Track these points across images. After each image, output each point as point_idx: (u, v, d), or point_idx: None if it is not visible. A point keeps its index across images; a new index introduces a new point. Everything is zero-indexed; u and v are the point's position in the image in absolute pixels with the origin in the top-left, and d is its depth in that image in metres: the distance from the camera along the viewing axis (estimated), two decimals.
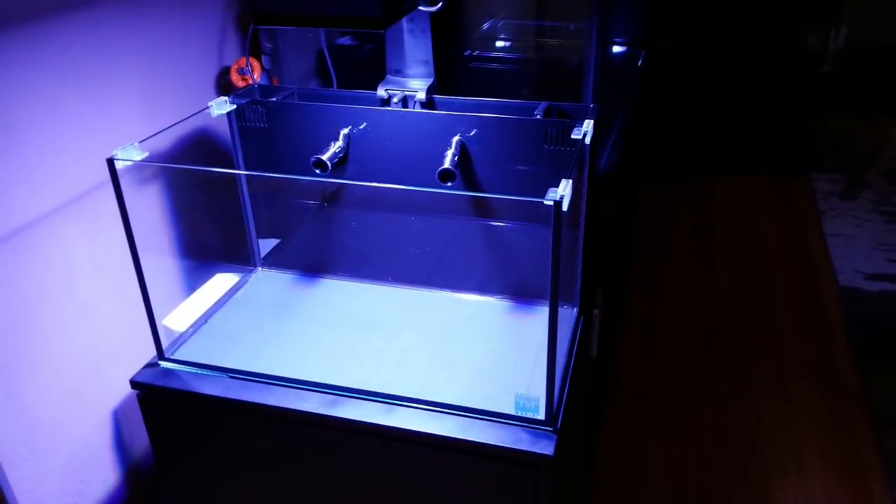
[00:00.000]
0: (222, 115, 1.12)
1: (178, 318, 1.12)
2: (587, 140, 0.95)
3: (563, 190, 0.77)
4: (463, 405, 0.92)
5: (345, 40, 1.36)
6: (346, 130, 1.07)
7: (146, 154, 0.91)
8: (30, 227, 1.04)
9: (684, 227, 2.77)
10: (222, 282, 1.20)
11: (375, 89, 1.12)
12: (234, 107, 1.10)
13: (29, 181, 1.03)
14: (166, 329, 1.20)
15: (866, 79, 3.41)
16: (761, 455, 1.71)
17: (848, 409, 1.87)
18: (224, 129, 1.47)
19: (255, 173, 1.14)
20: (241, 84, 1.31)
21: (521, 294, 1.15)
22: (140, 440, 1.33)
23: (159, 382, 0.99)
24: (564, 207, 0.76)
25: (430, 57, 1.07)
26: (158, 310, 1.40)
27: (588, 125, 0.96)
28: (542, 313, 1.12)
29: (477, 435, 0.88)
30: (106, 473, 1.25)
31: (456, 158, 1.00)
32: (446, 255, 1.15)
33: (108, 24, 1.13)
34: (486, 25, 1.33)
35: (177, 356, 1.03)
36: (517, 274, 1.13)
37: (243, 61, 1.31)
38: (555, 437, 0.88)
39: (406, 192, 1.10)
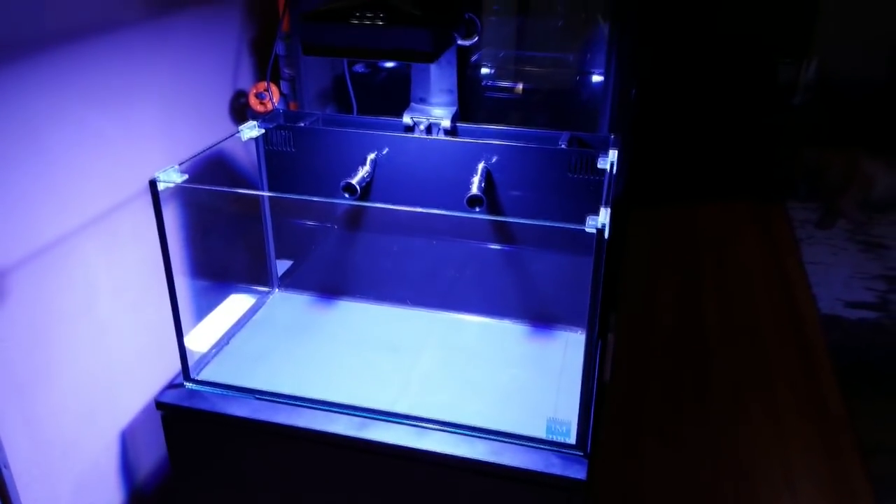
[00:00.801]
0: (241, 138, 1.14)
1: (197, 338, 1.12)
2: (614, 169, 0.98)
3: (604, 218, 0.80)
4: (492, 429, 0.93)
5: (359, 67, 1.38)
6: (372, 156, 1.09)
7: (186, 177, 0.92)
8: (55, 246, 1.04)
9: (669, 252, 2.82)
10: (240, 302, 1.20)
11: (392, 115, 1.15)
12: (263, 131, 1.11)
13: (56, 200, 1.04)
14: (186, 349, 1.19)
15: (836, 110, 3.53)
16: (754, 478, 1.74)
17: (836, 435, 1.91)
18: (236, 150, 1.48)
19: (292, 196, 1.15)
20: (259, 108, 1.32)
21: (538, 318, 1.17)
22: (145, 462, 1.32)
23: (185, 403, 0.99)
24: (606, 235, 0.78)
25: (454, 86, 1.10)
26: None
27: (613, 155, 0.99)
28: (559, 337, 1.15)
29: (509, 459, 0.90)
30: (112, 495, 1.24)
31: (482, 185, 1.03)
32: (465, 278, 1.17)
33: (133, 48, 1.14)
34: (497, 56, 1.37)
35: (202, 377, 1.03)
36: (535, 298, 1.16)
37: (261, 86, 1.33)
38: (586, 461, 0.90)
39: (427, 217, 1.12)
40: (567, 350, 1.11)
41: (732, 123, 3.30)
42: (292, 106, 1.36)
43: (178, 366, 1.38)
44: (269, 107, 1.32)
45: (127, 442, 1.25)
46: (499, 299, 1.17)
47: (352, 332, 1.16)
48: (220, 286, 1.22)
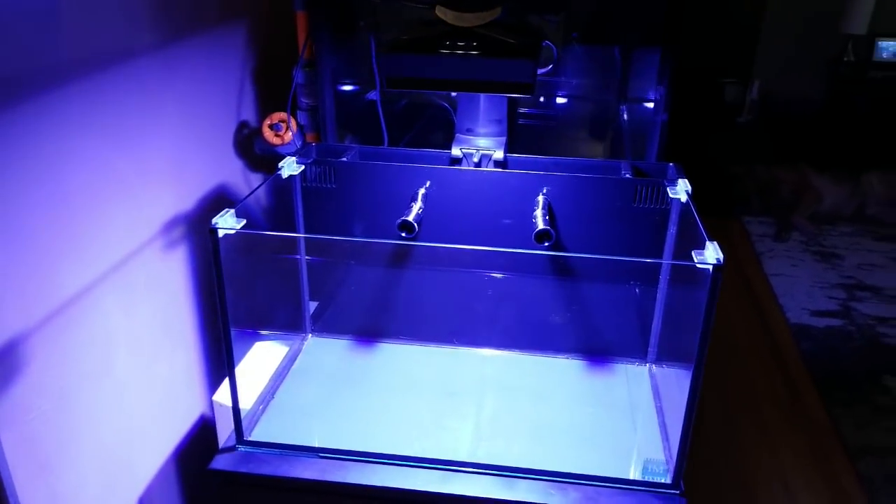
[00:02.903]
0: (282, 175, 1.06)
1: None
2: (687, 199, 0.96)
3: (717, 252, 0.77)
4: (582, 473, 0.89)
5: (373, 95, 1.32)
6: (423, 190, 1.03)
7: (244, 221, 0.84)
8: (75, 302, 0.94)
9: None
10: (273, 351, 1.11)
11: (417, 145, 1.09)
12: (303, 167, 1.04)
13: (78, 251, 0.94)
14: (220, 406, 1.10)
15: (779, 128, 3.71)
16: (751, 488, 1.76)
17: (822, 441, 1.97)
18: (245, 186, 1.39)
19: (349, 239, 1.07)
20: (275, 140, 1.24)
21: (592, 351, 1.13)
22: None
23: (243, 469, 0.90)
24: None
25: (504, 116, 1.05)
26: (208, 383, 1.28)
27: (683, 184, 0.98)
28: (618, 370, 1.11)
29: None
30: None
31: (547, 218, 0.99)
32: (515, 314, 1.13)
33: (147, 80, 1.06)
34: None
35: (254, 437, 0.94)
36: (588, 331, 1.12)
37: (276, 116, 1.25)
38: (684, 500, 0.87)
39: (476, 252, 1.07)
40: (629, 383, 1.08)
41: (688, 141, 3.41)
42: (310, 137, 1.28)
43: (191, 421, 1.28)
44: (287, 138, 1.24)
45: None
46: (552, 334, 1.12)
47: (401, 377, 1.09)
48: (249, 332, 1.13)
